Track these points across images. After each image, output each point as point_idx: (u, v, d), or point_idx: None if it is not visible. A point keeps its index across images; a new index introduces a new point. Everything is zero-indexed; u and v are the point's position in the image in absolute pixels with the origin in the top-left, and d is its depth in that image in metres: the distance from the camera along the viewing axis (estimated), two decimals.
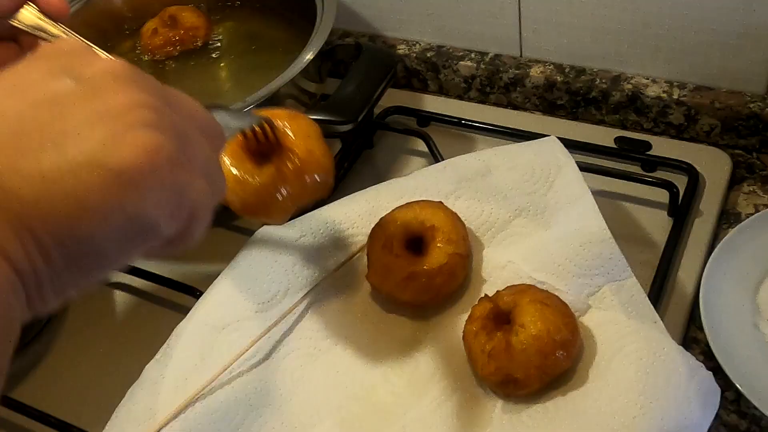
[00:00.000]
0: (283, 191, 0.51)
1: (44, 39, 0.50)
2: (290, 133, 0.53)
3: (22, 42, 0.52)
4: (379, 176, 0.79)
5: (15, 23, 0.50)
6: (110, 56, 0.36)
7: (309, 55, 0.72)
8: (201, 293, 0.65)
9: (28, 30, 0.50)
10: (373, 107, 0.71)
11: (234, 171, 0.51)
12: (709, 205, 0.71)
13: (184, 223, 0.33)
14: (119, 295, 0.74)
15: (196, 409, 0.55)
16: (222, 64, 0.85)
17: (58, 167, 0.29)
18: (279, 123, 0.53)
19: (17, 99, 0.31)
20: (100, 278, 0.32)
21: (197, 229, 0.34)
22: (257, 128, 0.52)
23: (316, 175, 0.51)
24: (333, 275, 0.63)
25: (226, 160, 0.52)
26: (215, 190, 0.35)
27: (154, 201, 0.31)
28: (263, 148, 0.52)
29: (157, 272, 0.71)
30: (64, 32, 0.50)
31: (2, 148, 0.29)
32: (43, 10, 0.50)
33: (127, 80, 0.33)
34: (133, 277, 0.73)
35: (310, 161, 0.52)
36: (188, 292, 0.68)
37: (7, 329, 0.29)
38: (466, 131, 0.82)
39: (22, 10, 0.50)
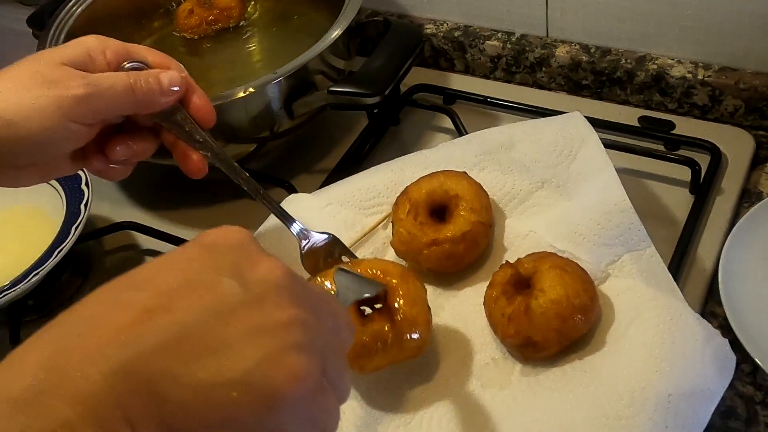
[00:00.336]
0: (381, 348, 0.52)
1: (185, 142, 0.53)
2: (399, 295, 0.54)
3: (162, 135, 0.55)
4: (405, 151, 0.80)
5: (164, 124, 0.53)
6: (271, 256, 0.36)
7: (337, 31, 0.74)
8: None
9: (173, 130, 0.53)
10: (400, 82, 0.72)
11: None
12: (731, 183, 0.72)
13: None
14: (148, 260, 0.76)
15: None
16: (254, 42, 0.87)
17: (213, 381, 0.30)
18: (390, 281, 0.55)
19: (188, 299, 0.32)
20: None
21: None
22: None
23: (413, 336, 0.53)
24: (358, 243, 0.65)
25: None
26: (342, 399, 0.36)
27: (293, 425, 0.32)
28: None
29: (184, 233, 0.73)
30: (205, 138, 0.55)
31: (166, 351, 0.30)
32: (191, 115, 0.54)
33: (287, 291, 0.34)
34: (162, 242, 0.75)
35: (411, 326, 0.53)
36: None
37: None
38: (491, 109, 0.83)
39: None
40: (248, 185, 0.58)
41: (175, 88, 0.54)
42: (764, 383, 0.59)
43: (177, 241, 0.74)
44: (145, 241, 0.78)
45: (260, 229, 0.66)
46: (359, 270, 0.56)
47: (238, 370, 0.31)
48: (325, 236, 0.60)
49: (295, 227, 0.59)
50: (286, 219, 0.60)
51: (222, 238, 0.36)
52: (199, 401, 0.30)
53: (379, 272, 0.57)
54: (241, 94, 0.69)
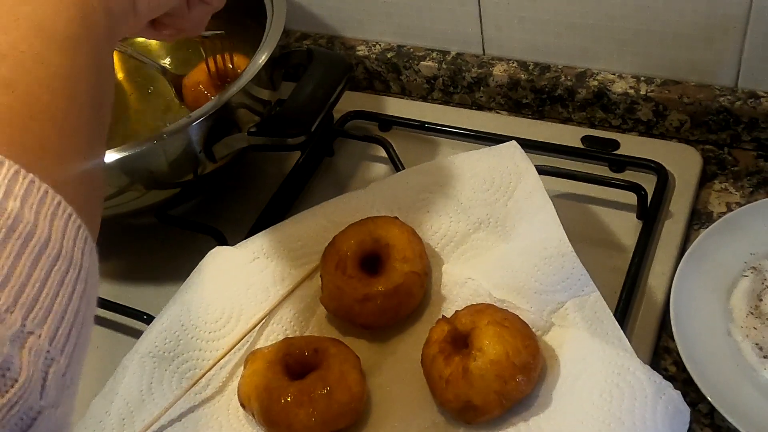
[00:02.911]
0: (310, 411, 0.51)
1: None
2: (329, 356, 0.54)
3: None
4: (340, 183, 0.77)
5: None
6: None
7: (261, 60, 0.69)
8: (150, 317, 0.62)
9: None
10: (328, 115, 0.68)
11: (266, 383, 0.52)
12: (679, 205, 0.69)
13: None
14: None
15: None
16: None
17: None
18: (322, 346, 0.55)
19: None
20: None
21: None
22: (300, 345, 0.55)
23: (343, 402, 0.51)
24: (287, 299, 0.60)
25: (262, 371, 0.53)
26: None
27: None
28: (300, 364, 0.54)
29: (107, 297, 0.68)
30: None
31: None
32: None
33: None
34: None
35: (340, 386, 0.52)
36: (137, 317, 0.65)
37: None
38: (429, 135, 0.79)
39: None
40: None
41: None
42: (723, 424, 0.56)
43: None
44: None
45: None
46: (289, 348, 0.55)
47: None
48: None
49: None
50: None
51: None
52: None
53: (312, 348, 0.55)
54: (157, 140, 0.64)
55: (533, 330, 0.53)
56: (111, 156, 0.63)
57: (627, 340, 0.51)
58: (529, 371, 0.50)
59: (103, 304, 0.68)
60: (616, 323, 0.52)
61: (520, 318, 0.52)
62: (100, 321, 0.70)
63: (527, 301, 0.54)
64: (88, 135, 0.36)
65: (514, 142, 0.64)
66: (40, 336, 0.28)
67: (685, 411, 0.48)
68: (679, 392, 0.49)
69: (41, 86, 0.34)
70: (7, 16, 0.35)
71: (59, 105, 0.34)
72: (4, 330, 0.26)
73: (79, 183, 0.34)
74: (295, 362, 0.54)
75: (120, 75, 0.86)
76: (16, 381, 0.26)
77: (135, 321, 0.66)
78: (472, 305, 0.54)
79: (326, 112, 0.67)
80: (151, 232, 0.76)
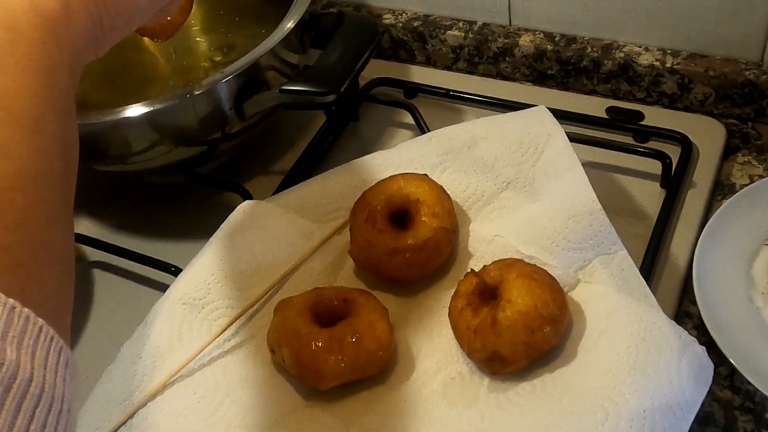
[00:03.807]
0: (340, 357, 0.52)
1: None
2: (358, 306, 0.55)
3: None
4: (365, 149, 0.77)
5: None
6: None
7: (289, 24, 0.70)
8: (178, 269, 0.63)
9: None
10: (356, 78, 0.68)
11: (296, 329, 0.53)
12: (702, 176, 0.69)
13: None
14: (98, 274, 0.72)
15: (173, 390, 0.53)
16: (204, 39, 0.83)
17: None
18: (351, 296, 0.56)
19: None
20: (123, 35, 0.43)
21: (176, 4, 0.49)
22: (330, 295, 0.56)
23: (371, 349, 0.53)
24: (316, 252, 0.61)
25: (292, 317, 0.54)
26: None
27: None
28: (329, 313, 0.55)
29: (135, 250, 0.69)
30: None
31: None
32: None
33: None
34: (110, 255, 0.71)
35: (369, 334, 0.53)
36: (164, 269, 0.66)
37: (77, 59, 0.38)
38: (453, 102, 0.80)
39: None
40: None
41: None
42: (742, 386, 0.57)
43: (128, 255, 0.70)
44: (93, 253, 0.73)
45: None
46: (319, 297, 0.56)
47: None
48: None
49: None
50: None
51: None
52: None
53: (341, 299, 0.56)
54: (188, 95, 0.65)
55: (561, 286, 0.53)
56: (140, 110, 0.64)
57: (653, 297, 0.52)
58: (556, 323, 0.50)
59: (132, 256, 0.69)
60: (643, 280, 0.53)
61: (548, 272, 0.53)
62: (128, 274, 0.71)
63: (555, 258, 0.55)
64: (63, 230, 0.34)
65: (542, 106, 0.64)
66: None
67: (709, 366, 0.49)
68: (703, 348, 0.49)
69: (12, 189, 0.31)
70: None
71: (33, 209, 0.31)
72: None
73: (57, 288, 0.32)
74: (325, 311, 0.55)
75: None
76: None
77: (162, 273, 0.67)
78: (500, 260, 0.55)
79: (356, 73, 0.68)
80: (178, 190, 0.77)
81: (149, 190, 0.80)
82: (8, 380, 0.27)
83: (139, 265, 0.69)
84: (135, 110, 0.64)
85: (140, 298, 0.68)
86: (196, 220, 0.74)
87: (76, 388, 0.30)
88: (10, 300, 0.28)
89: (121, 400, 0.53)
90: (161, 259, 0.67)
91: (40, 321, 0.29)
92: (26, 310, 0.28)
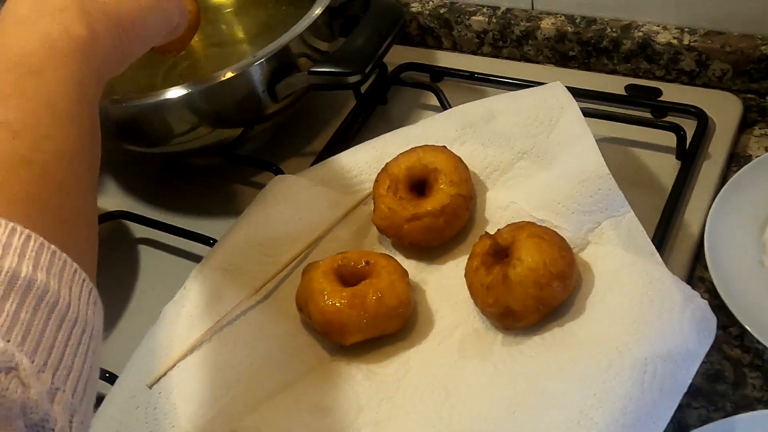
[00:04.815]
0: (362, 313, 0.56)
1: None
2: (380, 273, 0.58)
3: None
4: (392, 130, 0.81)
5: None
6: None
7: (318, 11, 0.74)
8: (215, 241, 0.67)
9: None
10: (381, 60, 0.72)
11: (322, 288, 0.57)
12: (718, 148, 0.71)
13: (181, 18, 0.57)
14: (143, 250, 0.77)
15: (211, 344, 0.58)
16: (237, 25, 0.87)
17: None
18: (373, 259, 0.60)
19: None
20: (138, 56, 0.52)
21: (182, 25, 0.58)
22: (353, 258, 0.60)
23: (392, 305, 0.56)
24: (342, 220, 0.65)
25: (318, 278, 0.58)
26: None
27: (173, 4, 0.54)
28: (353, 274, 0.59)
29: (179, 225, 0.74)
30: None
31: None
32: None
33: None
34: (154, 230, 0.76)
35: (390, 292, 0.56)
36: (204, 242, 0.70)
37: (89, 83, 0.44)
38: (478, 85, 0.83)
39: None
40: None
41: None
42: (752, 345, 0.59)
43: (170, 230, 0.74)
44: (138, 230, 0.78)
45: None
46: (343, 259, 0.60)
47: None
48: None
49: None
50: None
51: None
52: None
53: (363, 261, 0.59)
54: (222, 78, 0.69)
55: (571, 246, 0.56)
56: (179, 92, 0.69)
57: (658, 255, 0.54)
58: (564, 279, 0.53)
59: (174, 231, 0.74)
60: (649, 239, 0.55)
61: (557, 233, 0.56)
62: (170, 249, 0.76)
63: (565, 221, 0.58)
64: (90, 200, 0.42)
65: (558, 82, 0.67)
66: (65, 391, 0.33)
67: (712, 319, 0.51)
68: (706, 302, 0.52)
69: (55, 164, 0.39)
70: (15, 90, 0.40)
71: (69, 181, 0.39)
72: (41, 387, 0.31)
73: (86, 245, 0.40)
74: (349, 273, 0.59)
75: None
76: (53, 431, 0.31)
77: (202, 246, 0.71)
78: (513, 223, 0.58)
79: (381, 54, 0.71)
80: (217, 171, 0.82)
81: (190, 171, 0.85)
82: (52, 304, 0.34)
83: (181, 239, 0.74)
84: (174, 92, 0.69)
85: (182, 270, 0.72)
86: (234, 197, 0.79)
87: (101, 323, 0.38)
88: (53, 246, 0.35)
89: (161, 354, 0.58)
90: (201, 233, 0.72)
91: (75, 265, 0.36)
92: (64, 254, 0.36)
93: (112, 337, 0.70)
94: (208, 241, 0.70)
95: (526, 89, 0.68)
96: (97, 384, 0.37)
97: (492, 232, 0.58)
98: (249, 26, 0.88)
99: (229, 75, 0.69)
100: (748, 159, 0.71)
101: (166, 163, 0.86)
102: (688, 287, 0.52)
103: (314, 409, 0.55)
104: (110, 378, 0.61)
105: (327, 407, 0.55)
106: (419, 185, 0.62)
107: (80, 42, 0.44)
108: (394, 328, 0.57)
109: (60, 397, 0.32)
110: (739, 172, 0.66)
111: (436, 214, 0.60)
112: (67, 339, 0.34)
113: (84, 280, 0.36)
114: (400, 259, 0.62)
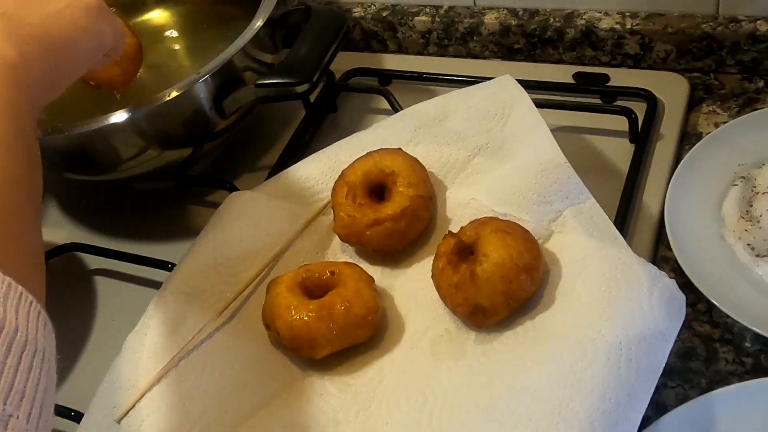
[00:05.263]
0: (331, 325, 0.55)
1: None
2: (344, 277, 0.57)
3: None
4: (344, 137, 0.80)
5: None
6: None
7: (259, 23, 0.73)
8: (174, 265, 0.66)
9: None
10: (328, 66, 0.71)
11: (288, 303, 0.56)
12: (669, 128, 0.72)
13: (116, 41, 0.56)
14: (99, 281, 0.75)
15: (177, 372, 0.56)
16: (178, 46, 0.86)
17: (57, 9, 0.49)
18: (337, 268, 0.59)
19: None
20: (73, 79, 0.52)
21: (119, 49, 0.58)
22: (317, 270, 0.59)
23: (360, 314, 0.55)
24: (303, 232, 0.64)
25: (283, 293, 0.57)
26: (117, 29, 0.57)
27: (106, 26, 0.53)
28: (318, 286, 0.58)
29: (134, 252, 0.72)
30: None
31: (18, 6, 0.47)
32: None
33: None
34: (110, 260, 0.74)
35: (357, 301, 0.55)
36: (162, 267, 0.68)
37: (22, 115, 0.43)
38: (427, 85, 0.83)
39: None
40: None
41: None
42: (720, 320, 0.59)
43: (125, 257, 0.72)
44: (93, 261, 0.76)
45: None
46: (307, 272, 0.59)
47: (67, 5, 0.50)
48: None
49: None
50: None
51: None
52: (57, 22, 0.49)
53: (328, 271, 0.58)
54: (167, 98, 0.68)
55: (535, 238, 0.56)
56: (123, 116, 0.67)
57: (623, 239, 0.54)
58: (532, 271, 0.53)
59: (130, 258, 0.72)
60: (612, 224, 0.55)
61: (520, 225, 0.55)
62: (128, 278, 0.74)
63: (527, 213, 0.57)
64: (33, 226, 0.42)
65: (507, 75, 0.67)
66: (18, 417, 0.32)
67: (681, 298, 0.51)
68: (673, 281, 0.52)
69: None
70: None
71: (8, 208, 0.39)
72: None
73: (32, 270, 0.40)
74: (314, 285, 0.57)
75: None
76: None
77: (161, 272, 0.69)
78: (476, 219, 0.57)
79: (328, 61, 0.71)
80: (170, 193, 0.80)
81: (142, 196, 0.83)
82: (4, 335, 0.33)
83: (138, 266, 0.72)
84: (119, 116, 0.67)
85: (142, 298, 0.70)
86: (190, 219, 0.77)
87: (53, 345, 0.37)
88: None
89: (128, 387, 0.56)
90: (158, 258, 0.70)
91: (20, 288, 0.35)
92: (8, 278, 0.35)
93: (74, 374, 0.67)
94: (167, 266, 0.68)
95: (476, 85, 0.68)
96: (52, 407, 0.36)
97: (455, 231, 0.57)
98: (192, 46, 0.87)
99: (174, 94, 0.68)
100: (699, 136, 0.71)
101: (116, 190, 0.84)
102: (655, 268, 0.52)
103: (290, 428, 0.53)
104: (76, 416, 0.59)
105: (303, 425, 0.53)
106: (377, 190, 0.62)
107: (10, 65, 0.43)
108: (365, 336, 0.56)
109: (14, 423, 0.31)
110: (692, 149, 0.67)
111: (397, 218, 0.59)
112: (17, 363, 0.33)
113: (31, 303, 0.35)
114: (365, 266, 0.61)
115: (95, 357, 0.68)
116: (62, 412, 0.62)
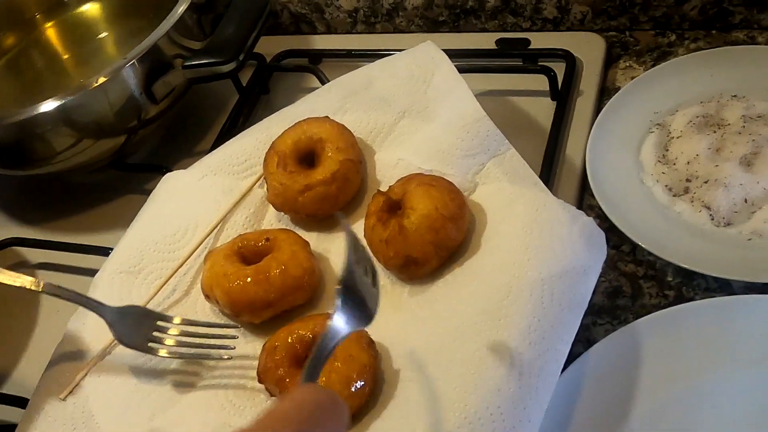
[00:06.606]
0: (268, 288, 0.55)
1: None
2: (279, 242, 0.58)
3: None
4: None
5: None
6: None
7: (182, 8, 0.74)
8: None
9: None
10: (254, 44, 0.73)
11: (225, 271, 0.57)
12: (589, 84, 0.74)
13: None
14: (43, 275, 0.75)
15: (118, 351, 0.57)
16: (106, 33, 0.86)
17: None
18: (272, 235, 0.59)
19: None
20: None
21: None
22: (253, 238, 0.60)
23: (297, 276, 0.56)
24: (238, 206, 0.65)
25: (220, 262, 0.57)
26: None
27: None
28: (254, 253, 0.59)
29: (71, 241, 0.72)
30: None
31: None
32: None
33: None
34: (51, 251, 0.74)
35: (293, 263, 0.56)
36: (104, 254, 0.69)
37: None
38: (356, 61, 0.84)
39: None
40: None
41: None
42: (644, 258, 0.62)
43: (65, 248, 0.73)
44: (34, 255, 0.76)
45: None
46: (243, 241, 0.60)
47: None
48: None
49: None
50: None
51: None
52: None
53: (263, 238, 0.59)
54: (95, 84, 0.68)
55: (461, 190, 0.58)
56: (52, 104, 0.67)
57: (542, 183, 0.57)
58: (457, 220, 0.55)
59: (71, 248, 0.72)
60: (531, 171, 0.57)
61: (444, 178, 0.57)
62: (67, 269, 0.74)
63: (452, 167, 0.59)
64: None
65: (429, 41, 0.69)
66: None
67: (600, 234, 0.53)
68: (591, 219, 0.54)
69: None
70: None
71: None
72: None
73: None
74: (250, 252, 0.59)
75: None
76: None
77: (102, 258, 0.69)
78: (402, 177, 0.59)
79: (254, 40, 0.72)
80: (109, 183, 0.80)
81: (81, 187, 0.83)
82: None
83: (80, 255, 0.72)
84: (48, 105, 0.67)
85: (85, 287, 0.69)
86: (130, 207, 0.76)
87: None
88: None
89: (71, 368, 0.56)
90: (99, 245, 0.70)
91: None
92: None
93: (21, 364, 0.67)
94: (107, 253, 0.69)
95: (400, 53, 0.70)
96: None
97: (384, 190, 0.59)
98: (124, 36, 0.87)
99: (102, 80, 0.68)
100: (617, 90, 0.74)
101: (56, 184, 0.84)
102: (573, 207, 0.54)
103: (234, 389, 0.55)
104: (22, 402, 0.59)
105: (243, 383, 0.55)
106: (308, 157, 0.63)
107: None
108: (303, 298, 0.57)
109: None
110: (609, 101, 0.70)
111: (328, 182, 0.60)
112: None
113: None
114: (300, 233, 0.62)
115: (41, 347, 0.68)
116: (12, 401, 0.62)
